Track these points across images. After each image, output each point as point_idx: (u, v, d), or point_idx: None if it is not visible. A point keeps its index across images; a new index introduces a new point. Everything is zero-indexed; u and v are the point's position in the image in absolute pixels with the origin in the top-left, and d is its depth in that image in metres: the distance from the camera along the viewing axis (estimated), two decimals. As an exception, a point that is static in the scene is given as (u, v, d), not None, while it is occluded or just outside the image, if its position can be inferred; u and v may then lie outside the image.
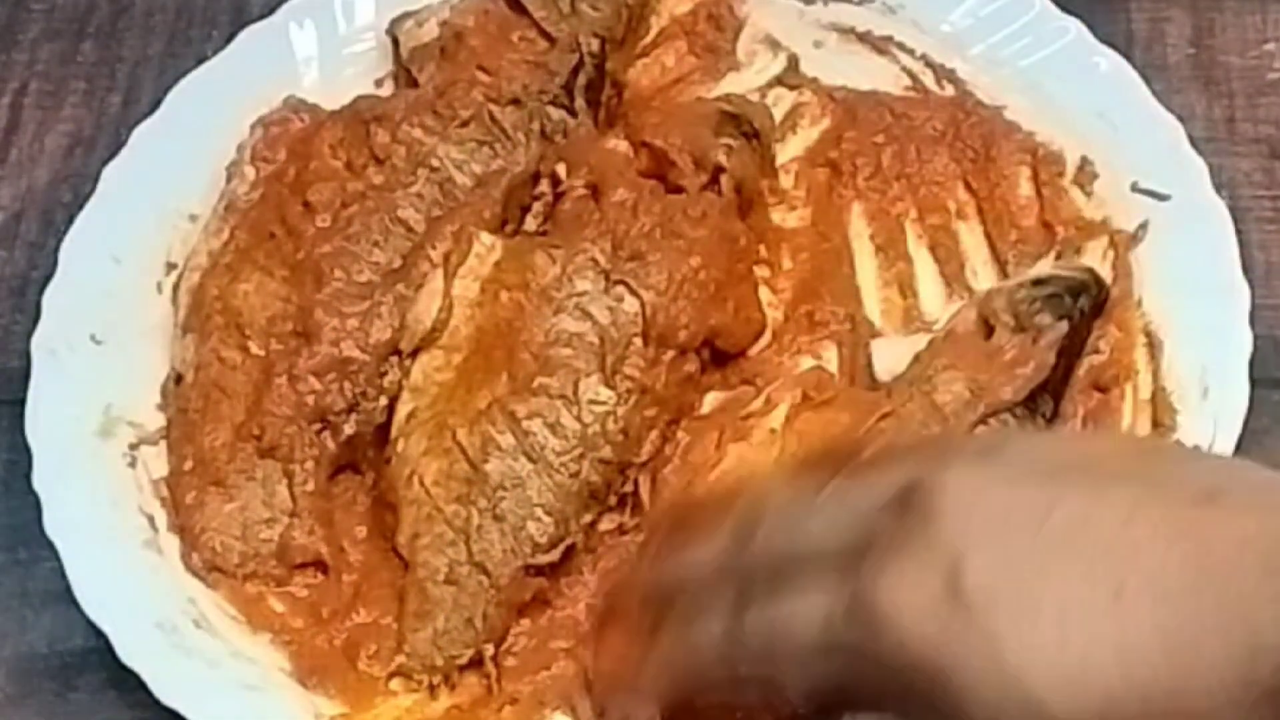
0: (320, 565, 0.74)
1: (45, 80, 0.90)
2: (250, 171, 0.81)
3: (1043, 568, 0.56)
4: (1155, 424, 0.74)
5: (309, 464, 0.75)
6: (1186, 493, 0.57)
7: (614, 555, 0.73)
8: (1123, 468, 0.59)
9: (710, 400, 0.76)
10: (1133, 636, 0.55)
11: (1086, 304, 0.75)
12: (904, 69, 0.85)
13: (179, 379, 0.77)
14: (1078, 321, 0.75)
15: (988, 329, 0.75)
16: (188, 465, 0.75)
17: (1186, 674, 0.55)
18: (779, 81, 0.85)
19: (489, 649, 0.71)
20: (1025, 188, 0.81)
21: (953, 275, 0.80)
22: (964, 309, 0.77)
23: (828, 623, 0.59)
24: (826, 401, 0.74)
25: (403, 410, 0.74)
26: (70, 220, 0.80)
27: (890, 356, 0.76)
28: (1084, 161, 0.81)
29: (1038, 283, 0.76)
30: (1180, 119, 0.81)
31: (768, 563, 0.63)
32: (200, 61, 0.85)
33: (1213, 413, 0.73)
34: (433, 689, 0.70)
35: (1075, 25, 0.84)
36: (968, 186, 0.82)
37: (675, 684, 0.66)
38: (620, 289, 0.74)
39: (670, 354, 0.74)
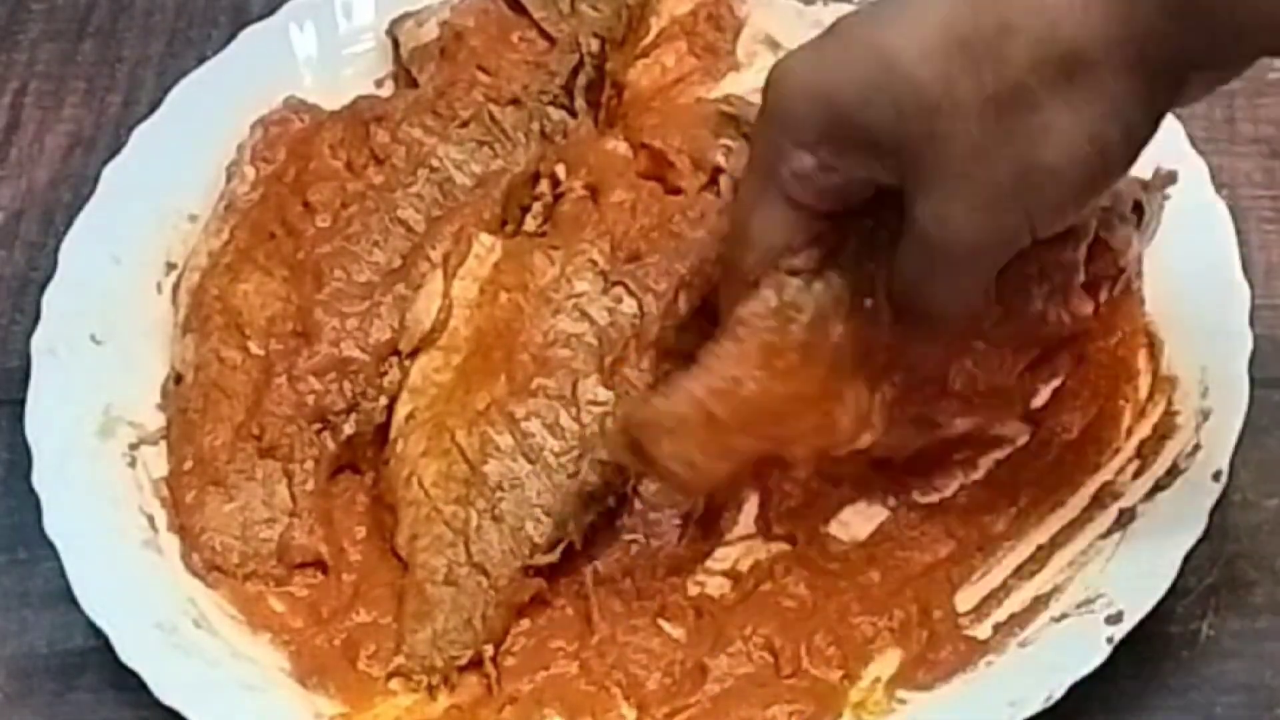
0: (320, 565, 0.74)
1: (45, 80, 0.90)
2: (250, 171, 0.81)
3: None
4: (1155, 424, 0.74)
5: (309, 464, 0.75)
6: None
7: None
8: None
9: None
10: None
11: None
12: (904, 69, 0.85)
13: (179, 379, 0.77)
14: None
15: None
16: (188, 465, 0.75)
17: None
18: (779, 82, 0.85)
19: (488, 649, 0.71)
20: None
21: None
22: None
23: None
24: None
25: (401, 411, 0.75)
26: (70, 220, 0.80)
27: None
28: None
29: None
30: (1180, 119, 0.80)
31: None
32: (200, 61, 0.86)
33: (1213, 413, 0.73)
34: (432, 689, 0.70)
35: (1075, 25, 0.83)
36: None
37: None
38: (619, 290, 0.75)
39: (667, 366, 0.74)
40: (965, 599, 0.71)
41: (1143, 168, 0.79)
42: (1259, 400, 0.73)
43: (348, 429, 0.75)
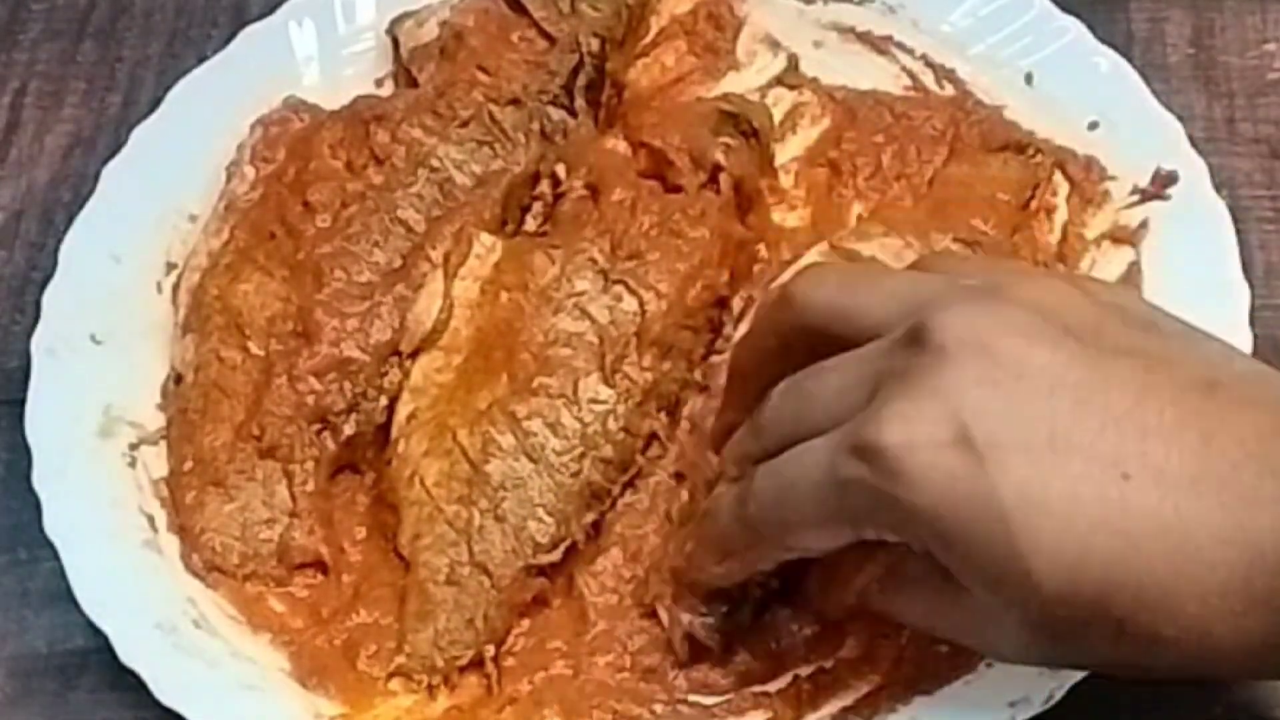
0: (320, 565, 0.74)
1: (45, 80, 0.90)
2: (250, 171, 0.81)
3: (1053, 436, 0.57)
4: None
5: (309, 464, 0.75)
6: (1187, 377, 0.58)
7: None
8: (1127, 341, 0.60)
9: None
10: (1135, 526, 0.56)
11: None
12: (904, 69, 0.85)
13: (179, 379, 0.77)
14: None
15: None
16: (188, 465, 0.75)
17: (1182, 574, 0.56)
18: (779, 81, 0.85)
19: (489, 650, 0.71)
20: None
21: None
22: None
23: (833, 461, 0.59)
24: None
25: (403, 411, 0.74)
26: (70, 220, 0.80)
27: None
28: (1086, 161, 0.81)
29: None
30: (1180, 119, 0.81)
31: (779, 428, 0.63)
32: (200, 61, 0.85)
33: (1213, 413, 0.73)
34: (432, 689, 0.70)
35: (1075, 25, 0.84)
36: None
37: (713, 555, 0.67)
38: (619, 288, 0.75)
39: (668, 364, 0.74)
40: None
41: (1143, 168, 0.80)
42: (1259, 400, 0.73)
43: (348, 429, 0.75)
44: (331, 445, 0.75)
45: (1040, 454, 0.57)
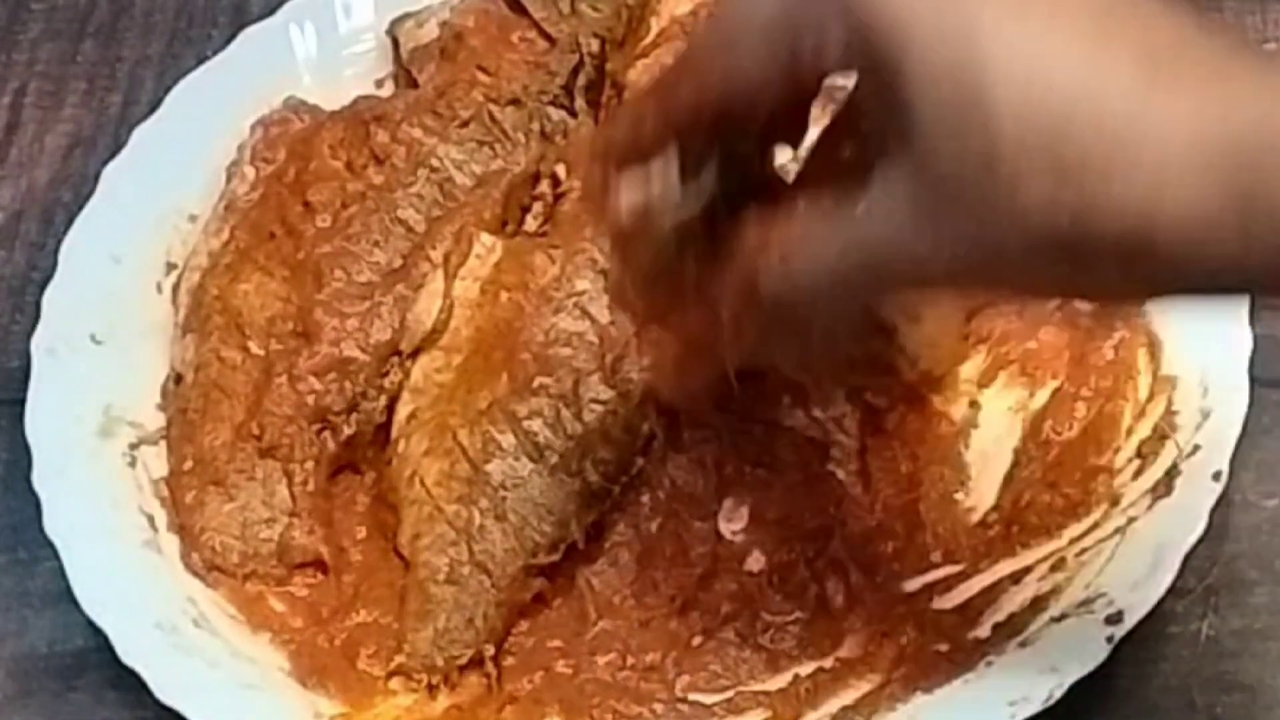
0: (320, 565, 0.74)
1: (45, 80, 0.90)
2: (250, 171, 0.81)
3: None
4: (1155, 424, 0.74)
5: (309, 464, 0.75)
6: None
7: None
8: None
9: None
10: (1104, 77, 0.53)
11: None
12: (904, 69, 0.85)
13: (179, 379, 0.77)
14: None
15: None
16: (188, 465, 0.75)
17: (1145, 119, 0.53)
18: (779, 82, 0.85)
19: (489, 649, 0.71)
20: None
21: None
22: None
23: None
24: None
25: (403, 411, 0.75)
26: (70, 220, 0.80)
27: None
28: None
29: None
30: (1180, 119, 0.81)
31: None
32: (200, 61, 0.86)
33: (1213, 413, 0.73)
34: (432, 689, 0.70)
35: (1075, 26, 0.83)
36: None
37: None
38: (619, 287, 0.75)
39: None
40: (958, 598, 0.72)
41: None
42: (1259, 400, 0.73)
43: (348, 429, 0.75)
44: (331, 445, 0.75)
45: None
